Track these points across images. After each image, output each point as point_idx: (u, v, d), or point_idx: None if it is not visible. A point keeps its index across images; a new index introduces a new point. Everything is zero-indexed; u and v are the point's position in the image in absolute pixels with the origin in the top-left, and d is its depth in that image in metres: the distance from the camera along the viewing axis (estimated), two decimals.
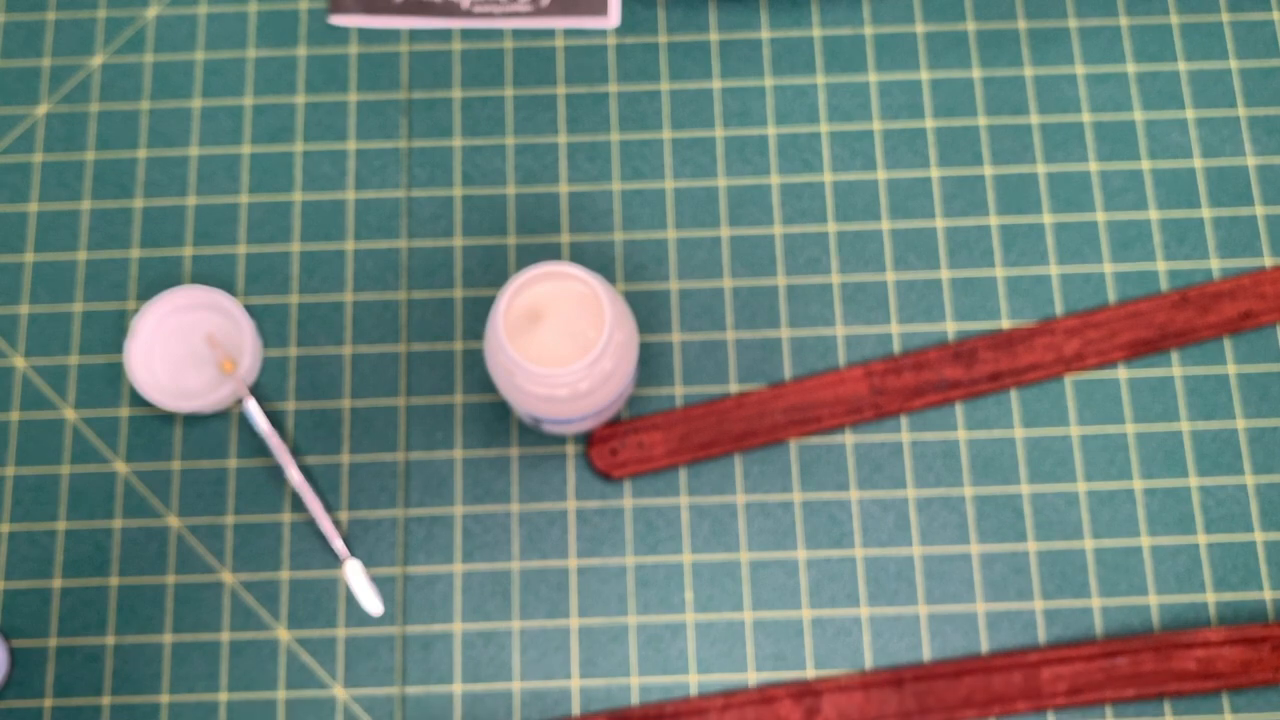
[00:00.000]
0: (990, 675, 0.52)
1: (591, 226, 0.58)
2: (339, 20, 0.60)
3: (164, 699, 0.53)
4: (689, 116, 0.59)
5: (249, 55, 0.60)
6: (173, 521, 0.55)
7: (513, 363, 0.45)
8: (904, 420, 0.55)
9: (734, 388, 0.56)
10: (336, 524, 0.54)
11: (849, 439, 0.55)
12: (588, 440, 0.54)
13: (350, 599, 0.54)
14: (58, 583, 0.54)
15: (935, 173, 0.58)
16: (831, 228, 0.58)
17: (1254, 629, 0.52)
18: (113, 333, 0.57)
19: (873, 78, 0.59)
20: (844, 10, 0.61)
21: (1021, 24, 0.60)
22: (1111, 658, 0.52)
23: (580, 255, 0.57)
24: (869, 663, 0.53)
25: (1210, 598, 0.53)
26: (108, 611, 0.54)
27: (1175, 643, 0.52)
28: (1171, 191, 0.58)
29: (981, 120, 0.59)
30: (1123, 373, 0.56)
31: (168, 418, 0.56)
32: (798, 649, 0.53)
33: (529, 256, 0.57)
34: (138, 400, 0.56)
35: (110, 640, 0.53)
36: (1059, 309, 0.56)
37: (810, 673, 0.53)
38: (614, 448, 0.54)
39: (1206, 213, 0.58)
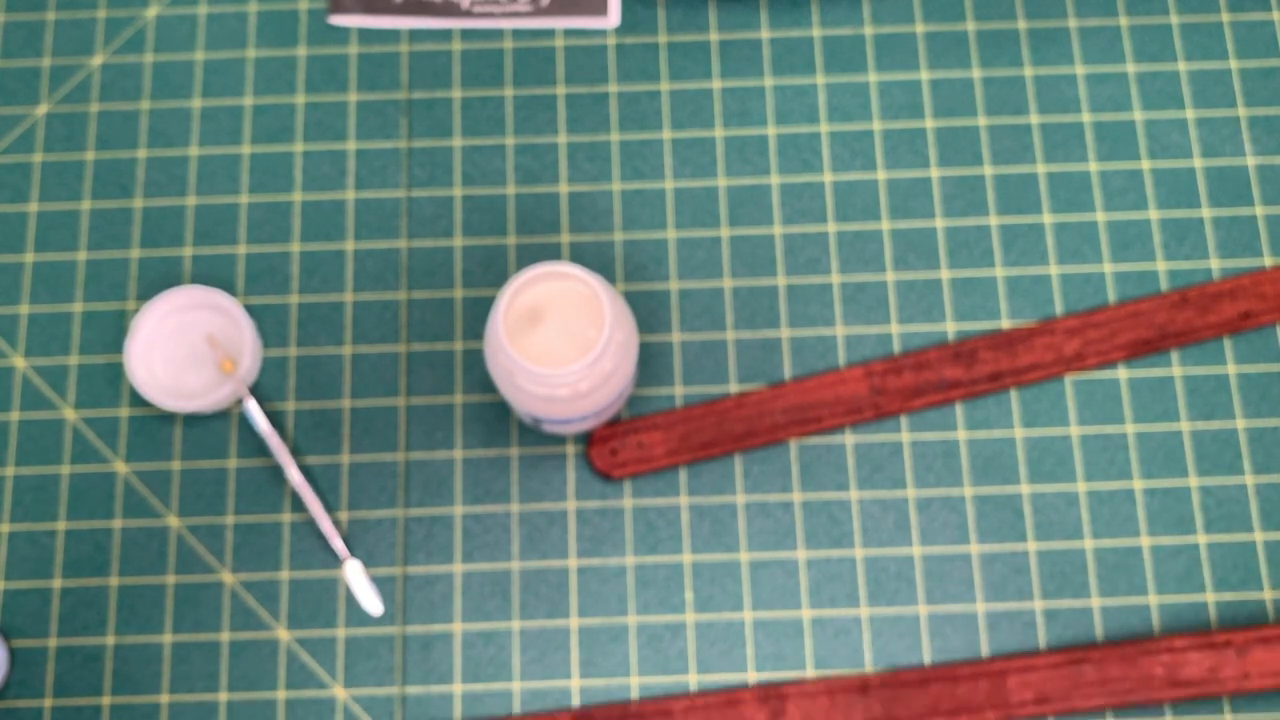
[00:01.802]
0: (956, 684, 0.52)
1: (591, 226, 0.58)
2: (339, 20, 0.60)
3: (164, 699, 0.53)
4: (689, 116, 0.59)
5: (249, 55, 0.60)
6: (173, 521, 0.55)
7: (513, 363, 0.45)
8: (904, 420, 0.55)
9: (734, 388, 0.56)
10: (336, 524, 0.54)
11: (849, 439, 0.55)
12: (588, 440, 0.54)
13: (350, 599, 0.54)
14: (58, 583, 0.54)
15: (935, 173, 0.58)
16: (831, 228, 0.58)
17: (1218, 635, 0.51)
18: (113, 333, 0.57)
19: (873, 78, 0.59)
20: (844, 10, 0.61)
21: (1021, 24, 0.60)
22: (1077, 665, 0.51)
23: (580, 255, 0.57)
24: (869, 663, 0.53)
25: (1210, 598, 0.53)
26: (108, 611, 0.54)
27: (1141, 650, 0.51)
28: (1171, 191, 0.58)
29: (981, 120, 0.59)
30: (1123, 373, 0.56)
31: (168, 418, 0.56)
32: (798, 649, 0.53)
33: (529, 256, 0.57)
34: (138, 400, 0.56)
35: (110, 640, 0.53)
36: (1059, 309, 0.56)
37: (810, 673, 0.53)
38: (614, 448, 0.54)
39: (1206, 213, 0.58)
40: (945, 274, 0.57)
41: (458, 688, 0.53)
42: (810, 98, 0.59)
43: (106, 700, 0.53)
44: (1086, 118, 0.59)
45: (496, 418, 0.56)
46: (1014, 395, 0.56)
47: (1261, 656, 0.51)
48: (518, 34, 0.60)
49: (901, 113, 0.59)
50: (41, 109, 0.60)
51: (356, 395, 0.56)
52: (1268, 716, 0.52)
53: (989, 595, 0.53)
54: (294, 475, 0.53)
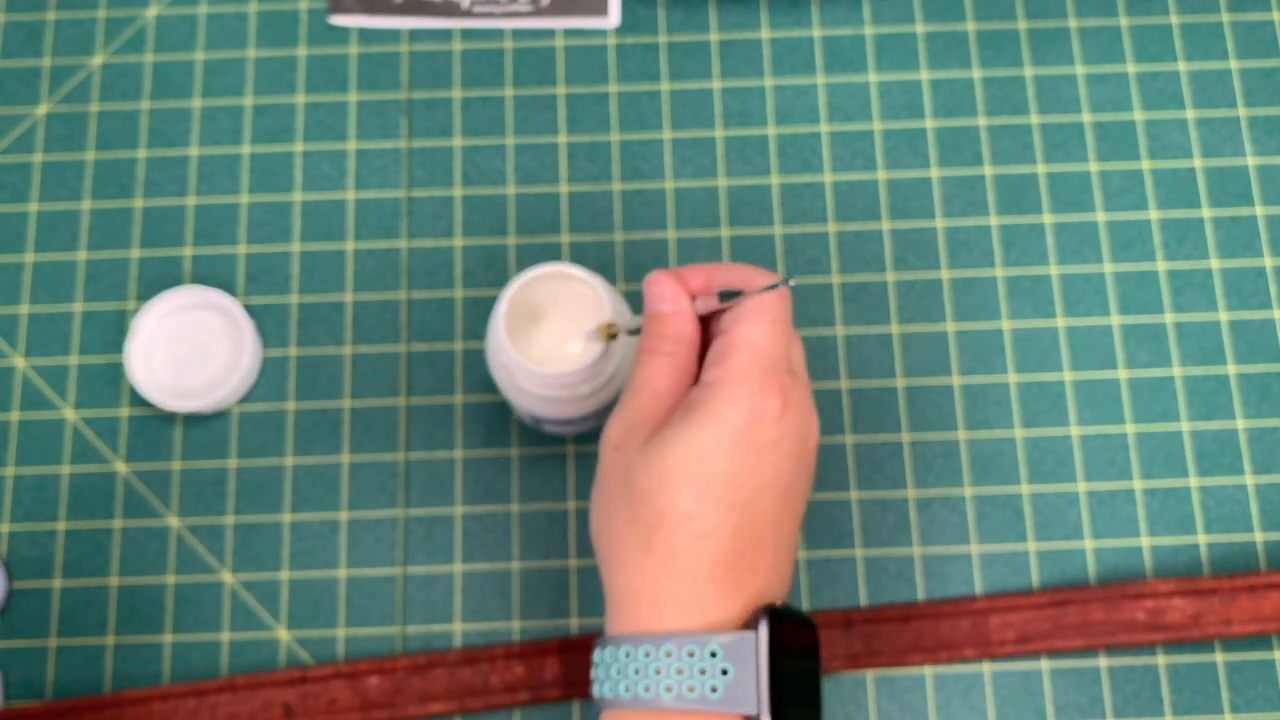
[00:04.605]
0: (939, 621, 0.52)
1: (591, 226, 0.58)
2: (339, 20, 0.60)
3: None
4: (689, 116, 0.59)
5: (249, 55, 0.60)
6: (173, 521, 0.55)
7: (513, 363, 0.45)
8: (904, 420, 0.55)
9: None
10: (336, 523, 0.54)
11: (849, 439, 0.55)
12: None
13: (350, 599, 0.54)
14: (58, 583, 0.54)
15: (935, 173, 0.58)
16: (831, 228, 0.58)
17: (1204, 581, 0.52)
18: (113, 333, 0.57)
19: (873, 78, 0.59)
20: (844, 10, 0.61)
21: (1021, 24, 0.60)
22: (1060, 607, 0.52)
23: (580, 255, 0.57)
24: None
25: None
26: (108, 612, 0.54)
27: (1124, 593, 0.52)
28: (1171, 191, 0.58)
29: (981, 120, 0.59)
30: (1123, 373, 0.56)
31: (168, 418, 0.56)
32: None
33: (529, 256, 0.57)
34: (138, 400, 0.56)
35: (110, 640, 0.53)
36: (1059, 309, 0.56)
37: None
38: None
39: (1206, 213, 0.58)
40: (945, 274, 0.57)
41: None
42: (810, 98, 0.59)
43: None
44: (1086, 118, 0.59)
45: (496, 418, 0.56)
46: (1014, 395, 0.56)
47: (1246, 604, 0.51)
48: (518, 34, 0.60)
49: (901, 113, 0.59)
50: (41, 109, 0.60)
51: (356, 395, 0.56)
52: (1258, 654, 0.52)
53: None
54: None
